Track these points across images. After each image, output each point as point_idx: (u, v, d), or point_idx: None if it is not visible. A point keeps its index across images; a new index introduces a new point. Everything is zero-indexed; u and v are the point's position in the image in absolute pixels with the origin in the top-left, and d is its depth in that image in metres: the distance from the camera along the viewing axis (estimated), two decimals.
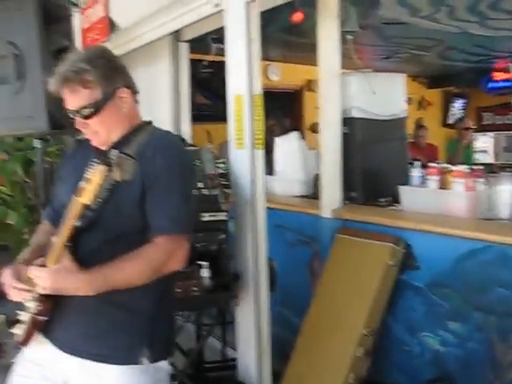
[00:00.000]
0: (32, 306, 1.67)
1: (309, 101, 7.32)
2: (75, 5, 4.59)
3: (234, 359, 3.53)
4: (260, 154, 2.85)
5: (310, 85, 7.25)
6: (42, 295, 1.65)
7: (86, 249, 1.68)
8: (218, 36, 4.94)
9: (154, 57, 4.33)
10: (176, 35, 4.18)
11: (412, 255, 2.85)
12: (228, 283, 2.79)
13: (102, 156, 1.67)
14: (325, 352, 2.89)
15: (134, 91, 1.85)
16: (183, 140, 3.42)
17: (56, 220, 1.98)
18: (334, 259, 3.17)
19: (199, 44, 4.37)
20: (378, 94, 3.46)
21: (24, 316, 1.72)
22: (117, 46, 3.90)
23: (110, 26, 3.87)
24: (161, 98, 4.42)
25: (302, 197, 3.98)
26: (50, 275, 1.59)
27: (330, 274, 3.14)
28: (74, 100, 1.72)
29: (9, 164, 4.03)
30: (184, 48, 4.28)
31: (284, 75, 7.02)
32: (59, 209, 1.95)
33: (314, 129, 7.41)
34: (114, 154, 1.68)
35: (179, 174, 1.76)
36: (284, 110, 6.55)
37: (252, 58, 2.81)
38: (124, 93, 1.78)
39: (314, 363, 2.93)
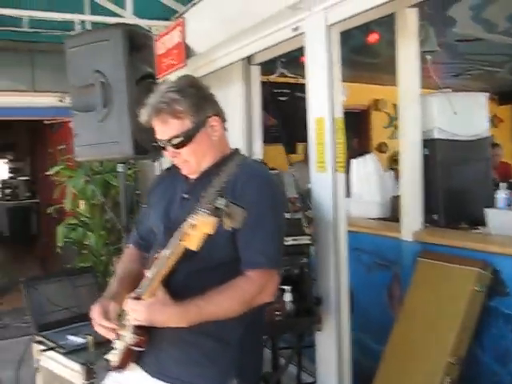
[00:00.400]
0: (128, 336, 1.69)
1: (376, 120, 7.25)
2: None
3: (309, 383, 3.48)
4: (342, 177, 2.82)
5: (377, 104, 7.18)
6: (138, 327, 1.66)
7: (178, 278, 1.67)
8: (286, 59, 5.06)
9: (227, 80, 4.39)
10: (248, 58, 4.24)
11: (501, 281, 2.73)
12: (310, 307, 2.76)
13: (210, 204, 1.54)
14: (409, 381, 2.80)
15: (223, 119, 1.84)
16: (265, 164, 3.45)
17: (142, 245, 2.02)
18: (416, 284, 3.08)
19: (265, 66, 4.43)
20: (460, 114, 3.37)
21: (119, 344, 1.75)
22: (192, 71, 3.99)
23: (186, 51, 3.96)
24: (233, 121, 4.45)
25: (379, 219, 3.90)
26: (146, 309, 1.60)
27: (412, 299, 3.05)
28: (166, 130, 1.73)
29: (88, 187, 4.15)
30: (256, 71, 4.33)
31: (351, 95, 6.96)
32: (146, 234, 1.99)
33: (381, 149, 7.34)
34: (223, 203, 1.53)
35: (270, 207, 1.74)
36: (351, 130, 6.48)
37: (333, 80, 2.80)
38: (214, 121, 1.78)
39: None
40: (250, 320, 1.75)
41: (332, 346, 2.85)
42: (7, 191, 12.26)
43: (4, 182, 12.76)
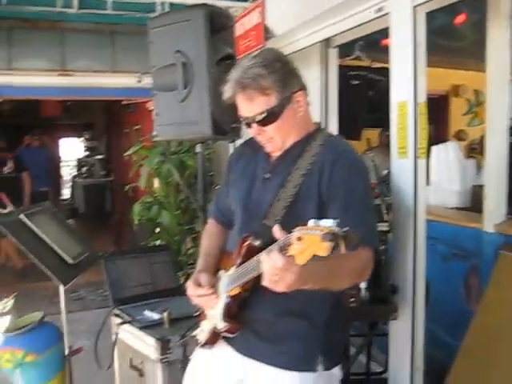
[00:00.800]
0: (219, 324, 1.71)
1: (455, 107, 6.98)
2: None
3: (377, 373, 3.43)
4: (423, 164, 2.72)
5: (457, 90, 6.91)
6: (229, 314, 1.68)
7: None
8: (363, 41, 4.92)
9: (305, 63, 4.33)
10: (327, 41, 4.16)
11: None
12: (386, 296, 2.70)
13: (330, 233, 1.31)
14: (489, 378, 2.69)
15: (307, 93, 1.80)
16: None
17: (222, 220, 2.02)
18: (497, 278, 2.94)
19: (341, 49, 4.32)
20: None
21: (207, 324, 1.78)
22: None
23: (265, 32, 3.92)
24: (311, 104, 4.41)
25: (458, 209, 3.77)
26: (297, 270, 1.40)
27: (493, 294, 2.91)
28: (251, 107, 1.70)
29: (164, 166, 4.21)
30: (333, 54, 4.24)
31: (430, 80, 6.74)
32: (225, 210, 1.99)
33: (460, 136, 7.06)
34: (340, 229, 1.31)
35: (363, 185, 1.70)
36: (428, 116, 6.26)
37: (418, 63, 2.70)
38: (299, 96, 1.74)
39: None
40: (335, 300, 1.76)
41: (406, 337, 2.77)
42: (83, 169, 12.74)
43: (80, 160, 13.27)
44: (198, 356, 1.92)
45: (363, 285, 2.63)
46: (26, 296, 6.02)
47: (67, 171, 15.84)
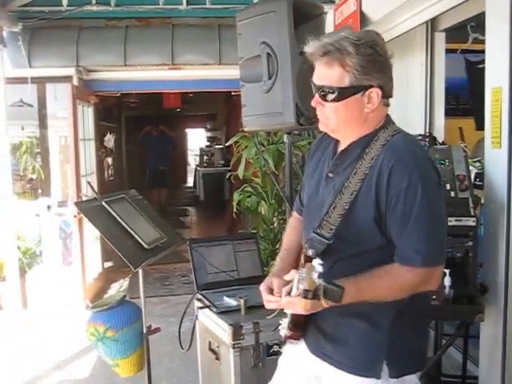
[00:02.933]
0: (283, 330, 1.73)
1: None
2: (332, 1, 4.68)
3: (475, 377, 3.23)
4: None
5: None
6: (293, 323, 1.69)
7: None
8: (477, 23, 4.62)
9: (407, 49, 4.17)
10: (432, 25, 3.97)
11: None
12: (473, 295, 2.54)
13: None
14: None
15: (388, 95, 1.66)
16: (434, 138, 3.22)
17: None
18: None
19: (455, 33, 4.10)
20: None
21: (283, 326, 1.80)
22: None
23: (362, 19, 3.83)
24: (413, 92, 4.25)
25: None
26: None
27: None
28: (324, 75, 1.62)
29: (261, 156, 4.27)
30: (440, 38, 4.05)
31: None
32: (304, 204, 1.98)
33: None
34: (318, 284, 1.42)
35: (424, 195, 1.54)
36: None
37: None
38: (375, 93, 1.60)
39: None
40: (404, 304, 1.64)
41: (497, 339, 2.60)
42: (205, 158, 13.25)
43: (202, 149, 13.82)
44: (288, 349, 1.94)
45: (447, 282, 2.50)
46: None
47: (193, 160, 16.65)
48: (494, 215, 2.58)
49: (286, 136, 3.08)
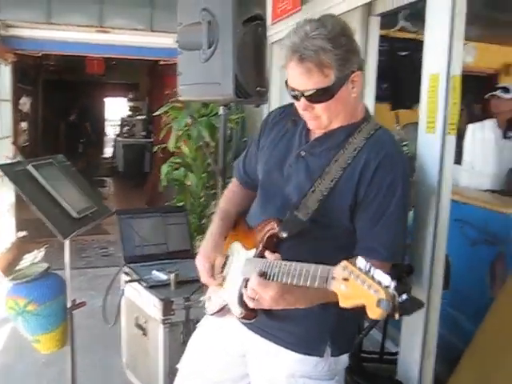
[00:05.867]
0: (236, 310, 1.67)
1: None
2: None
3: (392, 353, 3.35)
4: (452, 140, 2.57)
5: (509, 69, 6.58)
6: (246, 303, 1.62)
7: (291, 243, 1.61)
8: (408, 11, 4.71)
9: None
10: (368, 9, 3.99)
11: None
12: (399, 276, 2.60)
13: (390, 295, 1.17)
14: (499, 369, 2.59)
15: (363, 70, 1.67)
16: None
17: (247, 182, 1.96)
18: None
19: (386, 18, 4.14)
20: None
21: (218, 298, 1.75)
22: (307, 17, 3.82)
23: None
24: None
25: (491, 191, 3.60)
26: (277, 291, 1.47)
27: None
28: (304, 81, 1.57)
29: (193, 129, 4.17)
30: (375, 22, 4.06)
31: (479, 57, 6.43)
32: (252, 173, 1.92)
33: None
34: (395, 295, 1.17)
35: (401, 196, 1.59)
36: (475, 95, 6.01)
37: (454, 34, 2.53)
38: (357, 76, 1.60)
39: (484, 379, 2.64)
40: None
41: (419, 319, 2.68)
42: (125, 129, 12.87)
43: (123, 119, 13.41)
44: (207, 323, 1.89)
45: None
46: (56, 248, 6.22)
47: (111, 130, 16.12)
48: (424, 198, 2.64)
49: (221, 108, 3.01)
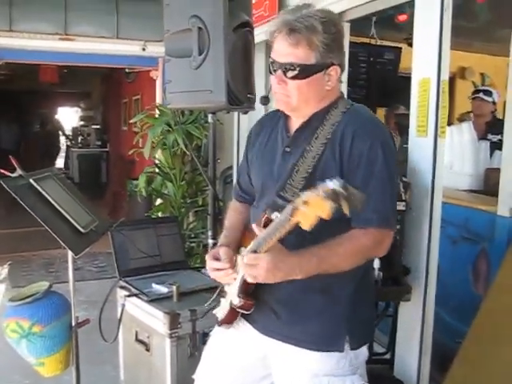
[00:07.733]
0: (234, 299, 1.65)
1: (461, 90, 6.88)
2: None
3: (380, 353, 3.39)
4: (443, 143, 2.65)
5: (464, 72, 6.80)
6: (245, 291, 1.62)
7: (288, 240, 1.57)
8: (376, 19, 4.80)
9: None
10: (340, 15, 4.04)
11: None
12: (397, 276, 2.65)
13: (325, 187, 1.32)
14: (495, 367, 2.65)
15: (343, 71, 1.71)
16: None
17: (244, 198, 1.96)
18: (509, 263, 2.89)
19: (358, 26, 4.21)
20: None
21: (224, 302, 1.72)
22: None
23: (280, 2, 3.80)
24: None
25: (470, 191, 3.71)
26: (269, 261, 1.49)
27: (504, 280, 2.86)
28: (290, 53, 1.60)
29: (169, 136, 4.11)
30: (346, 28, 4.12)
31: None
32: (246, 187, 1.93)
33: (464, 119, 6.97)
34: (340, 185, 1.31)
35: (385, 160, 1.60)
36: None
37: (443, 39, 2.61)
38: (334, 71, 1.65)
39: (480, 377, 2.70)
40: (360, 277, 1.69)
41: (417, 319, 2.73)
42: (79, 138, 12.56)
43: (76, 129, 13.08)
44: (219, 333, 1.86)
45: (376, 265, 2.57)
46: (21, 264, 5.99)
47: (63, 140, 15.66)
48: (418, 201, 2.70)
49: (210, 116, 3.00)
